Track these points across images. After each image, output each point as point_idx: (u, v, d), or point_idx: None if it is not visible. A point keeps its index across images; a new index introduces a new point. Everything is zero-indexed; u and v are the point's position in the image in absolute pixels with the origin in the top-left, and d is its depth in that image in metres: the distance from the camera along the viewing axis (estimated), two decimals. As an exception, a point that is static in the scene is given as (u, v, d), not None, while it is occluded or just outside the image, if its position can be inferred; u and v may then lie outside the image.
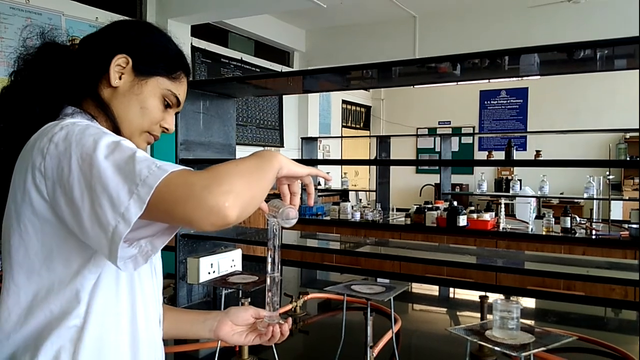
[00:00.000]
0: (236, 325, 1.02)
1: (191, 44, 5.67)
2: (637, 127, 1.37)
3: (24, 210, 0.75)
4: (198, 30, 5.76)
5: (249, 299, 1.31)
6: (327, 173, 0.99)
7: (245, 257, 2.00)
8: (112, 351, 0.80)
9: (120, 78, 0.86)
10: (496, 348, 1.09)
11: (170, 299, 1.93)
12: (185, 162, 1.92)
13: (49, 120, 0.80)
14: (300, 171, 0.84)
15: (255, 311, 1.03)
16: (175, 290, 1.94)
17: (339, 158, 7.98)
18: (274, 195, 0.90)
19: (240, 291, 1.51)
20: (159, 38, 0.92)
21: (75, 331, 0.76)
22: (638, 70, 1.39)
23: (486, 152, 5.48)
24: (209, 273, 1.81)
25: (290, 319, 1.02)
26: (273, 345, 1.32)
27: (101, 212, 0.67)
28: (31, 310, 0.76)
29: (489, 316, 1.25)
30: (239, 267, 1.92)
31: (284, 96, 7.18)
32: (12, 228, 0.77)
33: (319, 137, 6.55)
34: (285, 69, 7.30)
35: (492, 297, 1.47)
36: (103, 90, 0.87)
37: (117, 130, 0.86)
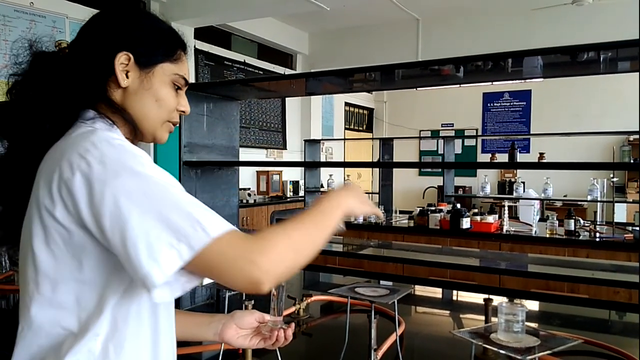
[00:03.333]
0: (241, 329, 1.02)
1: (194, 46, 5.69)
2: (641, 130, 1.37)
3: (53, 217, 0.73)
4: (201, 33, 5.77)
5: (253, 302, 1.31)
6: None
7: (248, 260, 2.00)
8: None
9: (127, 77, 0.83)
10: (501, 351, 1.09)
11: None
12: (189, 165, 1.93)
13: (61, 132, 0.79)
14: (367, 210, 0.93)
15: (260, 315, 1.03)
16: (179, 292, 1.94)
17: (342, 160, 7.96)
18: None
19: (244, 294, 1.51)
20: (150, 23, 0.89)
21: (99, 340, 0.74)
22: (638, 73, 1.39)
23: (489, 155, 5.47)
24: (213, 275, 1.80)
25: (293, 324, 1.02)
26: (277, 348, 1.32)
27: (135, 255, 0.68)
28: (56, 319, 0.74)
29: (494, 319, 1.25)
30: (243, 270, 1.92)
31: (286, 98, 7.19)
32: (37, 236, 0.74)
33: (322, 140, 6.55)
34: (288, 71, 7.32)
35: (496, 299, 1.46)
36: (114, 94, 0.84)
37: (137, 128, 0.85)
